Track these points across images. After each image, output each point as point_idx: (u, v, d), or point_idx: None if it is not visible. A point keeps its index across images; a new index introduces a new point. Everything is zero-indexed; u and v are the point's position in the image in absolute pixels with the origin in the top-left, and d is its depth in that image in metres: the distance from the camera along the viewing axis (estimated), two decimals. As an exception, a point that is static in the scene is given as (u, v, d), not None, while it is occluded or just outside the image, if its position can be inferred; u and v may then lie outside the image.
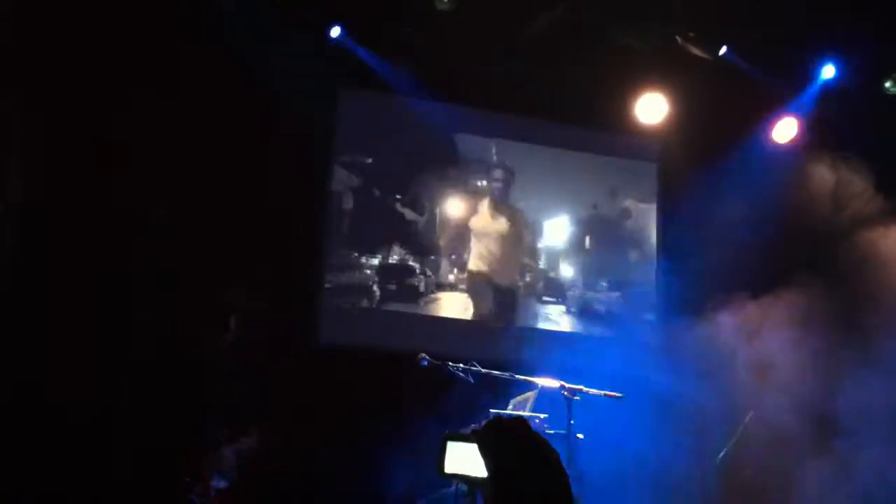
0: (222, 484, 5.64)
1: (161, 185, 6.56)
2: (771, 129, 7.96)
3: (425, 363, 5.52)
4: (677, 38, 7.43)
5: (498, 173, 8.03)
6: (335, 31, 7.25)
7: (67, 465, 5.97)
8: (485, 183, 8.00)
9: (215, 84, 6.73)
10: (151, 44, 6.60)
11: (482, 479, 2.35)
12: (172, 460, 5.63)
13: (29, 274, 6.25)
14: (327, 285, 7.38)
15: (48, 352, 6.08)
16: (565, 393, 5.32)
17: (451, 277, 7.73)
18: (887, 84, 7.53)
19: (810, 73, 7.69)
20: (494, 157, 8.05)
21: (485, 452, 2.35)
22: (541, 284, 8.00)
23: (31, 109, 6.31)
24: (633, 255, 8.29)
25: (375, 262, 7.55)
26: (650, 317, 8.04)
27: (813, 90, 7.76)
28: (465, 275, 7.75)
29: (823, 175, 7.66)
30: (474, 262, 7.80)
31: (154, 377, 6.22)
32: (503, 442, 2.36)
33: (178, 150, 6.59)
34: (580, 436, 5.33)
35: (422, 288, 7.63)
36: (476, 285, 7.78)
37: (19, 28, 6.26)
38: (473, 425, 4.47)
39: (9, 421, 5.93)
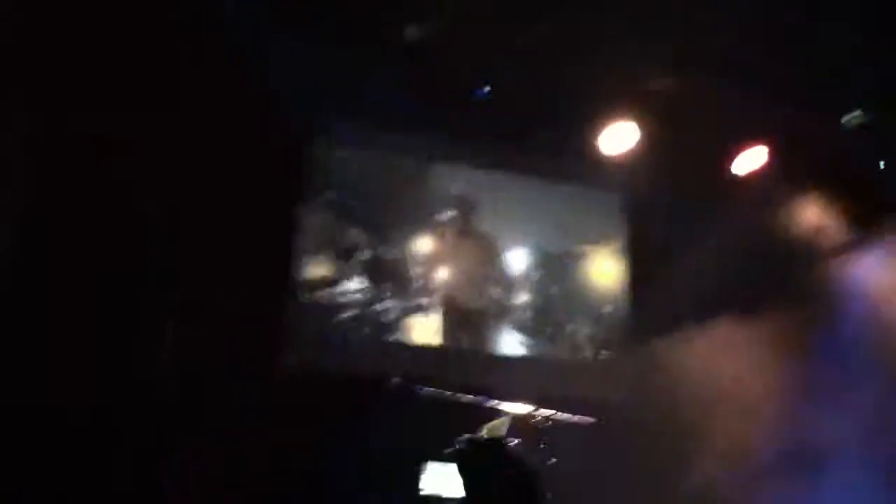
0: None
1: (156, 178, 6.58)
2: (737, 158, 8.04)
3: (398, 387, 5.51)
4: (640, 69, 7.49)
5: (465, 201, 8.08)
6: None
7: (67, 466, 5.90)
8: (453, 211, 8.03)
9: (210, 84, 6.74)
10: (151, 45, 6.59)
11: (459, 500, 2.36)
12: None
13: (28, 274, 6.20)
14: (298, 308, 7.36)
15: (48, 352, 6.03)
16: (537, 419, 5.34)
17: (422, 303, 7.73)
18: (844, 119, 7.60)
19: (778, 102, 7.78)
20: (462, 185, 8.11)
21: (464, 473, 2.36)
22: (509, 310, 8.01)
23: (31, 110, 6.30)
24: (601, 284, 8.32)
25: (348, 287, 7.55)
26: (621, 343, 8.07)
27: (779, 120, 7.84)
28: (436, 300, 7.76)
29: (791, 205, 7.76)
30: (444, 288, 7.82)
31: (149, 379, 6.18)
32: (482, 463, 2.37)
33: (173, 147, 6.63)
34: (553, 460, 5.34)
35: (392, 315, 7.62)
36: (446, 310, 7.79)
37: (19, 28, 6.25)
38: (453, 447, 4.49)
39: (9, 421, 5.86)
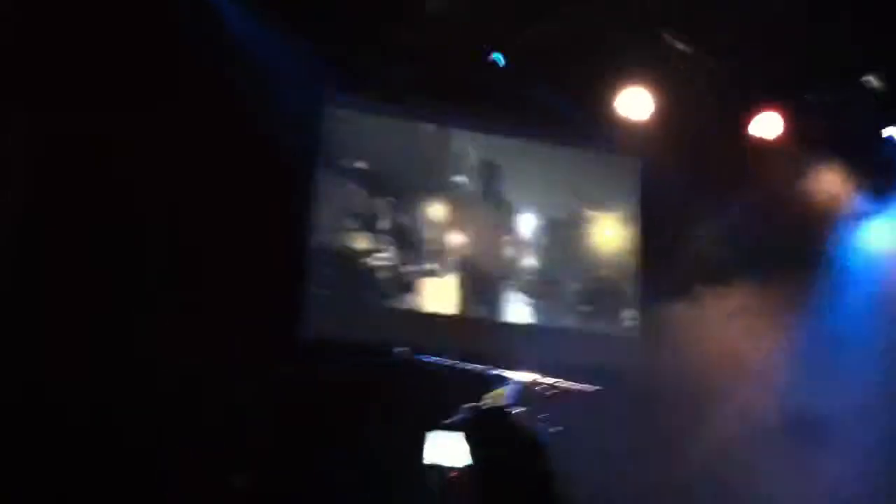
0: None
1: (156, 179, 6.53)
2: (754, 124, 7.94)
3: (401, 356, 5.48)
4: (664, 34, 7.39)
5: (489, 165, 8.02)
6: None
7: (66, 465, 5.91)
8: (474, 176, 7.97)
9: (209, 83, 6.71)
10: (150, 32, 6.58)
11: (464, 469, 2.30)
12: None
13: (28, 273, 6.21)
14: (313, 281, 7.31)
15: (48, 352, 6.03)
16: (539, 387, 5.30)
17: (439, 267, 7.70)
18: (870, 78, 7.50)
19: (794, 70, 7.68)
20: (480, 152, 8.02)
21: (472, 442, 2.30)
22: (520, 274, 7.95)
23: (30, 110, 6.28)
24: (613, 250, 8.24)
25: (361, 254, 7.52)
26: (630, 310, 8.02)
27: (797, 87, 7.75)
28: (454, 264, 7.73)
29: (805, 172, 7.69)
30: (463, 251, 7.78)
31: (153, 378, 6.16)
32: (490, 432, 2.31)
33: (172, 146, 6.59)
34: (555, 429, 5.30)
35: (406, 280, 7.59)
36: (465, 274, 7.76)
37: (19, 28, 6.24)
38: (458, 416, 4.43)
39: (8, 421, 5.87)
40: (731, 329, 7.06)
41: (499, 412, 2.28)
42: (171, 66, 6.65)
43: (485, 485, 2.23)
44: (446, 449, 2.10)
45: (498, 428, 2.26)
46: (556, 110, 7.77)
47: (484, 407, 5.36)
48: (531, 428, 5.02)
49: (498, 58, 7.45)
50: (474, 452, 2.23)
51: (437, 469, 2.45)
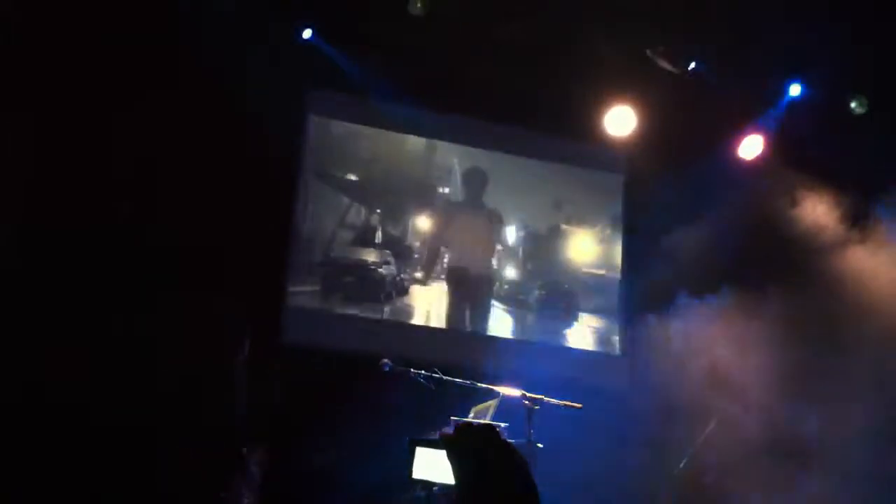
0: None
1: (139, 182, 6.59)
2: (737, 144, 8.02)
3: (387, 368, 5.49)
4: (647, 51, 7.46)
5: (478, 176, 8.09)
6: (307, 33, 7.23)
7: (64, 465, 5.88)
8: (462, 186, 8.04)
9: (203, 81, 6.75)
10: (147, 39, 6.64)
11: (449, 486, 2.32)
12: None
13: (27, 273, 6.20)
14: (292, 287, 7.34)
15: (47, 352, 6.01)
16: (526, 402, 5.31)
17: (428, 276, 7.78)
18: (853, 104, 7.60)
19: (777, 90, 7.77)
20: (465, 163, 8.09)
21: (452, 459, 2.31)
22: (506, 289, 8.01)
23: (30, 109, 6.29)
24: (597, 266, 8.30)
25: (345, 262, 7.58)
26: (612, 326, 8.08)
27: (780, 108, 7.84)
28: (442, 273, 7.80)
29: (786, 194, 7.75)
30: (449, 261, 7.87)
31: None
32: (471, 449, 2.32)
33: (167, 146, 6.63)
34: (540, 445, 5.32)
35: (389, 289, 7.64)
36: (452, 283, 7.83)
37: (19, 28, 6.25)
38: (442, 431, 4.45)
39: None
40: (713, 346, 7.09)
41: (484, 427, 2.30)
42: (169, 64, 6.70)
43: (468, 500, 2.25)
44: (433, 464, 2.12)
45: (483, 443, 2.28)
46: (540, 125, 7.88)
47: (467, 423, 5.41)
48: (515, 444, 5.06)
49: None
50: (458, 467, 2.25)
51: (424, 483, 2.47)
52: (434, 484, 2.13)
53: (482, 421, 5.32)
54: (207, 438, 5.38)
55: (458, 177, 8.05)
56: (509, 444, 2.39)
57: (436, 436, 3.68)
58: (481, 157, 8.12)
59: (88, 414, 5.96)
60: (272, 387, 6.39)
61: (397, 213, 7.82)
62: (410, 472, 2.21)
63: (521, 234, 8.15)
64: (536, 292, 8.08)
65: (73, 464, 5.88)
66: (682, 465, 6.68)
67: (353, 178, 7.77)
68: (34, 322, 6.09)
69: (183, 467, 5.36)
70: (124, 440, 5.91)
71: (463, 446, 2.32)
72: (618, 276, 8.22)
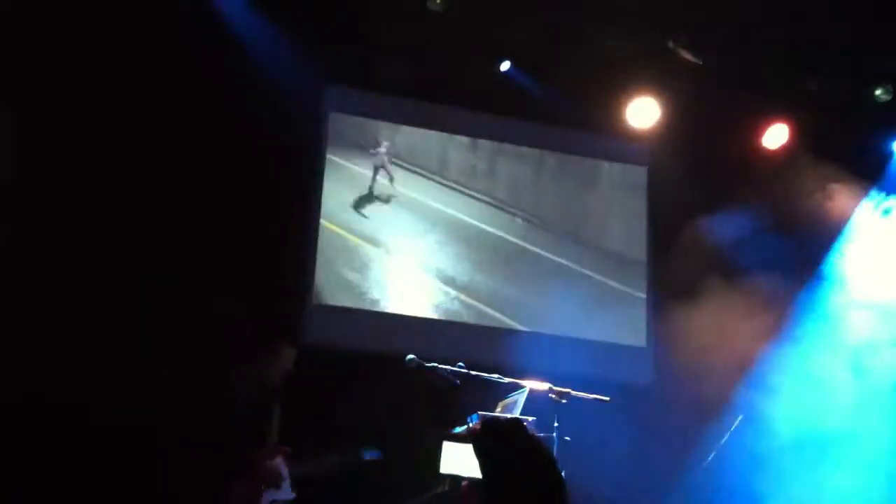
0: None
1: (154, 179, 6.60)
2: (762, 134, 7.97)
3: (412, 364, 5.48)
4: (669, 42, 7.42)
5: (485, 172, 8.06)
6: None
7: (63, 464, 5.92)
8: (470, 180, 8.01)
9: (204, 81, 6.76)
10: (150, 34, 6.63)
11: (478, 480, 2.32)
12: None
13: (25, 272, 6.21)
14: (315, 285, 7.36)
15: (46, 352, 6.03)
16: (553, 396, 5.29)
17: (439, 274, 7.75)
18: (877, 92, 7.53)
19: (801, 80, 7.70)
20: (483, 158, 8.07)
21: (480, 453, 2.32)
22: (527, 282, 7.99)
23: (29, 108, 6.30)
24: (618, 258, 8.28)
25: (366, 260, 7.57)
26: (638, 320, 8.06)
27: (804, 98, 7.78)
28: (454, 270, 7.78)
29: (811, 182, 7.71)
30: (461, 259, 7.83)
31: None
32: (498, 443, 2.32)
33: (169, 146, 6.61)
34: (567, 438, 5.31)
35: (410, 285, 7.64)
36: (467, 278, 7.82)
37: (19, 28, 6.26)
38: (468, 425, 4.44)
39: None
40: (739, 339, 7.06)
41: (511, 421, 2.30)
42: (170, 64, 6.70)
43: (495, 494, 2.25)
44: (460, 458, 2.12)
45: (510, 438, 2.28)
46: (561, 117, 7.87)
47: (497, 416, 5.39)
48: (543, 437, 5.06)
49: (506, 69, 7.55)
50: (485, 461, 2.25)
51: (451, 478, 2.46)
52: (462, 478, 2.12)
53: (509, 415, 5.31)
54: (207, 439, 5.38)
55: (473, 169, 8.04)
56: (537, 438, 2.39)
57: (463, 430, 3.68)
58: (497, 150, 8.12)
59: (88, 414, 5.99)
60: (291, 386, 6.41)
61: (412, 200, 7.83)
62: (438, 466, 2.21)
63: (545, 229, 8.13)
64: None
65: (72, 464, 5.92)
66: (709, 459, 6.65)
67: (363, 170, 7.75)
68: (34, 322, 6.09)
69: (183, 467, 5.38)
70: (124, 440, 5.94)
71: (490, 441, 2.32)
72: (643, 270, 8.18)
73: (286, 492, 5.46)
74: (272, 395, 5.62)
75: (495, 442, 2.35)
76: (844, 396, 6.79)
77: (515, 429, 2.33)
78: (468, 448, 2.34)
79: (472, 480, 2.13)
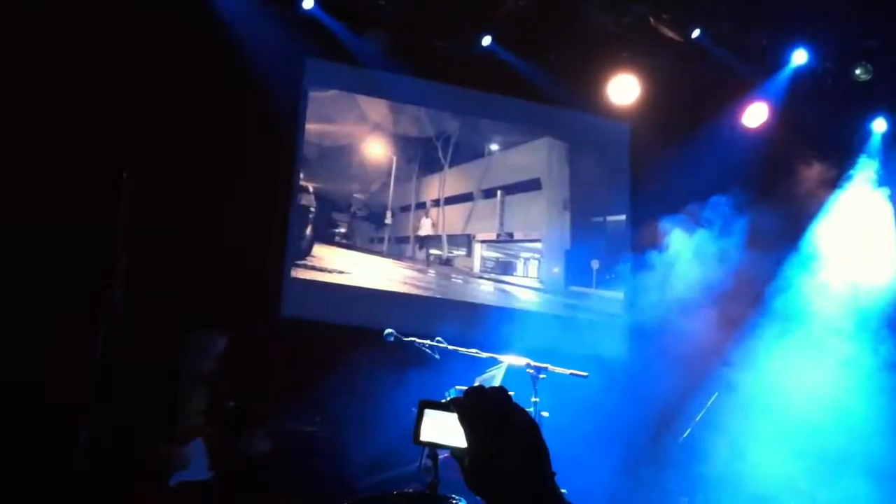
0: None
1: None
2: (741, 112, 7.97)
3: (391, 339, 5.47)
4: (650, 18, 7.40)
5: (463, 145, 8.05)
6: (308, 3, 7.19)
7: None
8: (449, 154, 7.98)
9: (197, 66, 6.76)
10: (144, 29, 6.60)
11: (459, 449, 2.29)
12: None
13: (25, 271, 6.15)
14: (293, 262, 7.33)
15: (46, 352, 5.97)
16: (531, 371, 5.29)
17: (414, 245, 7.77)
18: (857, 71, 7.54)
19: (781, 58, 7.70)
20: (460, 131, 8.05)
21: (464, 421, 2.29)
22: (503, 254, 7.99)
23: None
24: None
25: (343, 230, 7.54)
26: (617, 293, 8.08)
27: (784, 75, 7.78)
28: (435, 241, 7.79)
29: (789, 161, 7.74)
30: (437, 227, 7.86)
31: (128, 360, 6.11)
32: (483, 411, 2.30)
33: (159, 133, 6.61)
34: (545, 413, 5.32)
35: (384, 247, 7.66)
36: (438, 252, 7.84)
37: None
38: (452, 394, 4.43)
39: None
40: (713, 316, 7.09)
41: (496, 389, 2.27)
42: (164, 51, 6.68)
43: (479, 465, 2.22)
44: (439, 427, 2.10)
45: (495, 404, 2.25)
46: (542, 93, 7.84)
47: (482, 386, 5.36)
48: (525, 411, 5.04)
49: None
50: (472, 428, 2.22)
51: (431, 446, 2.44)
52: (441, 446, 2.10)
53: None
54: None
55: (454, 141, 8.02)
56: (520, 407, 2.36)
57: (444, 402, 3.63)
58: (481, 126, 8.11)
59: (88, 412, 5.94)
60: (273, 362, 6.39)
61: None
62: (417, 434, 2.18)
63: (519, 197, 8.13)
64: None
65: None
66: (685, 434, 6.68)
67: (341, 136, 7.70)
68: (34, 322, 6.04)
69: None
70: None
71: (476, 408, 2.30)
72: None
73: (199, 471, 5.50)
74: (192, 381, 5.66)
75: (481, 408, 2.31)
76: (816, 376, 6.80)
77: (501, 396, 2.30)
78: (447, 416, 2.30)
79: (452, 450, 2.10)
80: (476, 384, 5.15)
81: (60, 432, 5.85)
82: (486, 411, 2.28)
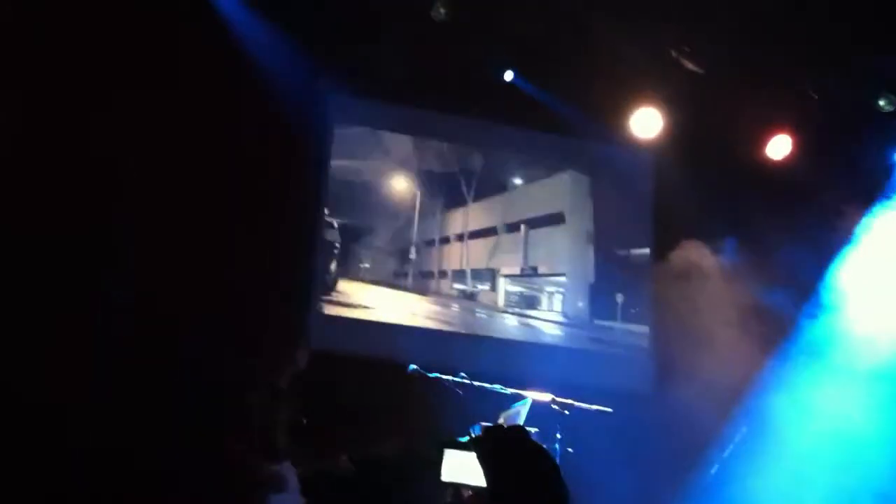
0: None
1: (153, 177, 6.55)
2: (765, 144, 7.94)
3: (415, 374, 5.46)
4: (671, 51, 7.40)
5: (486, 179, 8.08)
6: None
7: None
8: (473, 189, 8.01)
9: (209, 79, 6.75)
10: (148, 35, 6.62)
11: (480, 489, 2.28)
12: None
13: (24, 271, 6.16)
14: (321, 295, 7.36)
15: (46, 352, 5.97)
16: (556, 407, 5.27)
17: (436, 279, 7.78)
18: (881, 102, 7.50)
19: (806, 90, 7.67)
20: (484, 165, 8.08)
21: (483, 461, 2.28)
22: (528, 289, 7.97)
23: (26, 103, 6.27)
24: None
25: (367, 265, 7.57)
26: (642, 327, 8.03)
27: (809, 108, 7.75)
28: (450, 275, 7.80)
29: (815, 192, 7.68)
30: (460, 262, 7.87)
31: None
32: (502, 451, 2.29)
33: (164, 144, 6.59)
34: (570, 449, 5.28)
35: (408, 282, 7.68)
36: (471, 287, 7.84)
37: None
38: (472, 433, 4.41)
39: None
40: (743, 349, 7.03)
41: (515, 430, 2.27)
42: (170, 64, 6.68)
43: (500, 502, 2.21)
44: (462, 466, 2.09)
45: (513, 444, 2.24)
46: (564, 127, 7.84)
47: (499, 426, 5.34)
48: (546, 448, 5.00)
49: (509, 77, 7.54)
50: (489, 468, 2.22)
51: (453, 487, 2.42)
52: (464, 486, 2.08)
53: (515, 423, 5.27)
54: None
55: (478, 175, 8.06)
56: (540, 447, 2.35)
57: (464, 440, 3.62)
58: (505, 161, 8.15)
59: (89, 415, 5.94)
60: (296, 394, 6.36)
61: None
62: (439, 474, 2.16)
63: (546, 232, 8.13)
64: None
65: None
66: (713, 471, 6.61)
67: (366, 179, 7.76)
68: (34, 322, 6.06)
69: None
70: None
71: (493, 447, 2.29)
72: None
73: (293, 497, 5.41)
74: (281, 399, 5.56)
75: (498, 448, 2.30)
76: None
77: (518, 435, 2.29)
78: (470, 456, 2.29)
79: (475, 489, 2.09)
80: (500, 421, 5.18)
81: (60, 432, 5.84)
82: (505, 452, 2.27)
